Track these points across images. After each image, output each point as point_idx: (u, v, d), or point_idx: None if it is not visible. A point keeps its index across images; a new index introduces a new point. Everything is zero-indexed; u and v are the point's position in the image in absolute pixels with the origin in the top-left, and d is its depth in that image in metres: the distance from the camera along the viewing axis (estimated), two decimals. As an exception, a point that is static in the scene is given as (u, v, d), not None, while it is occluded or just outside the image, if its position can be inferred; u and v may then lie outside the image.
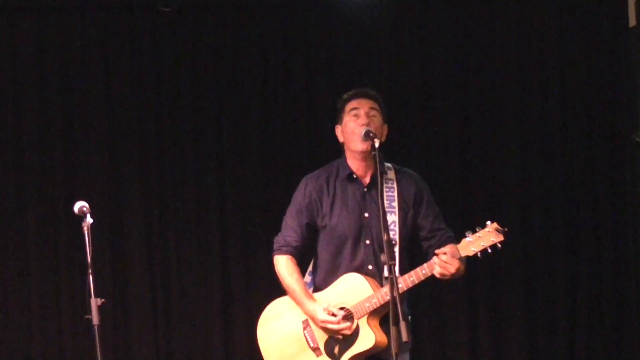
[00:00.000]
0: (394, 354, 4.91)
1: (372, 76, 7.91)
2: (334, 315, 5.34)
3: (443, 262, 5.21)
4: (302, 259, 5.58)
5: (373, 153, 5.25)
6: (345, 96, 5.52)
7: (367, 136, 5.28)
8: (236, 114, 8.03)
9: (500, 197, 8.00)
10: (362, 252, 5.41)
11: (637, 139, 7.69)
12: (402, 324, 4.84)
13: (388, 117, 7.90)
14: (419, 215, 5.45)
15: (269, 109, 8.05)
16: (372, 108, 5.43)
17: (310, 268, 5.59)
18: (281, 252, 5.53)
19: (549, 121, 8.13)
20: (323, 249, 5.48)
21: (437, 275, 5.26)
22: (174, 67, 8.00)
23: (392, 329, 4.88)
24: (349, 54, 8.08)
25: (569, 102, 8.13)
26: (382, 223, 5.04)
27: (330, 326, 5.33)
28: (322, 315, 5.34)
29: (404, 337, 4.84)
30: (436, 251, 5.27)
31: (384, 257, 5.06)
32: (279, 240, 5.56)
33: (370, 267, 5.40)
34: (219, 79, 8.02)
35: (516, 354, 8.03)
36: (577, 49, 8.14)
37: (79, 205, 5.45)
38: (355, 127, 5.38)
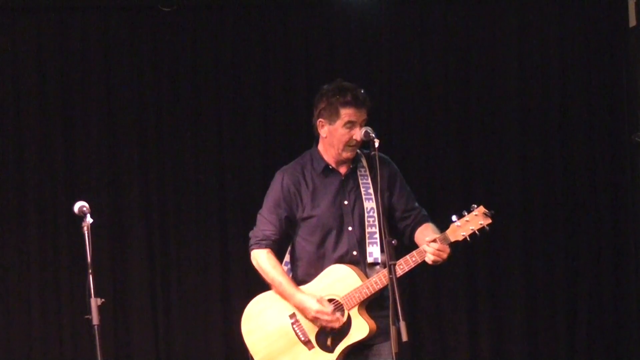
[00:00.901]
0: (393, 354, 4.92)
1: (372, 76, 7.91)
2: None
3: (437, 251, 5.22)
4: (279, 253, 5.56)
5: (373, 153, 5.27)
6: (340, 96, 5.41)
7: (368, 136, 5.31)
8: (236, 113, 8.03)
9: (500, 197, 8.00)
10: (346, 239, 5.42)
11: (637, 139, 7.69)
12: (402, 324, 4.85)
13: (388, 116, 7.99)
14: (393, 195, 5.48)
15: (269, 109, 8.05)
16: (364, 118, 5.43)
17: (286, 258, 5.58)
18: (260, 246, 5.51)
19: (549, 121, 8.13)
20: (305, 241, 5.47)
21: (430, 263, 5.26)
22: (174, 67, 8.00)
23: (392, 329, 4.90)
24: (349, 54, 8.08)
25: (569, 102, 8.14)
26: (382, 225, 5.07)
27: (323, 317, 5.33)
28: (316, 305, 5.34)
29: (404, 337, 4.86)
30: (426, 239, 5.27)
31: (383, 257, 5.06)
32: (256, 234, 5.53)
33: (354, 252, 5.41)
34: (219, 78, 8.02)
35: (516, 352, 8.03)
36: (577, 49, 8.14)
37: (79, 205, 5.45)
38: (348, 139, 5.39)
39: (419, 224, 5.46)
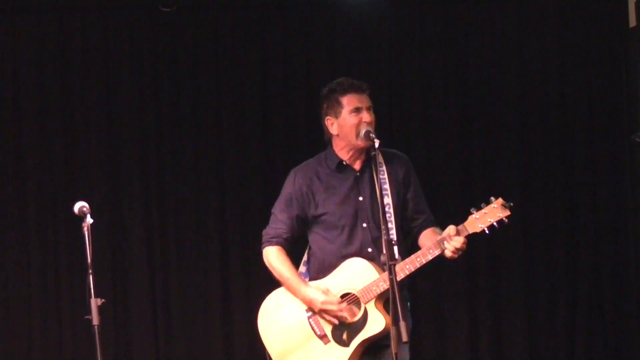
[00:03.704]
0: (393, 354, 4.92)
1: (372, 76, 7.91)
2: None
3: (457, 248, 5.21)
4: (292, 251, 5.56)
5: (373, 153, 5.29)
6: (337, 87, 5.47)
7: (368, 137, 5.32)
8: (236, 113, 8.03)
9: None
10: (360, 235, 5.42)
11: (637, 139, 7.69)
12: (402, 324, 4.84)
13: (388, 116, 7.99)
14: (407, 193, 5.49)
15: (269, 109, 8.05)
16: (369, 104, 5.44)
17: (305, 258, 5.57)
18: (271, 244, 5.52)
19: (549, 121, 8.13)
20: (319, 238, 5.47)
21: (447, 257, 5.26)
22: (174, 67, 8.00)
23: (392, 329, 4.89)
24: (349, 54, 8.09)
25: (569, 102, 8.14)
26: (382, 225, 5.07)
27: (330, 307, 5.32)
28: (322, 297, 5.34)
29: (404, 337, 4.85)
30: (446, 233, 5.25)
31: (383, 258, 5.05)
32: (268, 232, 5.55)
33: (369, 249, 5.41)
34: (219, 78, 8.02)
35: (516, 352, 8.03)
36: (577, 49, 8.14)
37: (79, 205, 5.45)
38: (359, 124, 5.39)
39: (426, 226, 5.46)
